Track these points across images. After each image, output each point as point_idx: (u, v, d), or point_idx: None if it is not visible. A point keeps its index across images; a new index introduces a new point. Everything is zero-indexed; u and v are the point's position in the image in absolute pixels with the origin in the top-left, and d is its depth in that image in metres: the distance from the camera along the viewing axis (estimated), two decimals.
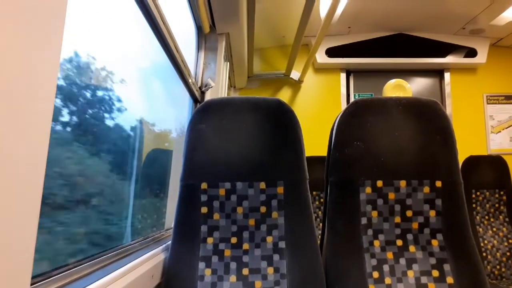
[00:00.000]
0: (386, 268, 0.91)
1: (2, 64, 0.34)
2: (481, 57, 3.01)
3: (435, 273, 0.90)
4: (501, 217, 2.13)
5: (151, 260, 0.87)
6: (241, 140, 0.96)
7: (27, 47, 0.38)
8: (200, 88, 1.74)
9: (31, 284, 0.50)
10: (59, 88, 0.70)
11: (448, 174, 0.95)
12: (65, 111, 0.74)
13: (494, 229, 2.11)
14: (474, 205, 2.13)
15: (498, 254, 2.05)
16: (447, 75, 3.13)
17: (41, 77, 0.40)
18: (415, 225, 0.94)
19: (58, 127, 0.72)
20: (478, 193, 2.14)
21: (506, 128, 3.07)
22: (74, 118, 0.79)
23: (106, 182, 1.00)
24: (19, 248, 0.38)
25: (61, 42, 0.44)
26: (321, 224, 2.15)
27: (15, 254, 0.37)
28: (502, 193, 2.14)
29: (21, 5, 0.36)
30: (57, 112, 0.70)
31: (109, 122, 0.97)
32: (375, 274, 0.90)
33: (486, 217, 2.13)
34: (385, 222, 0.95)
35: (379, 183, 0.95)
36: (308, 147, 1.06)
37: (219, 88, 1.84)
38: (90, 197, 0.90)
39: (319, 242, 0.95)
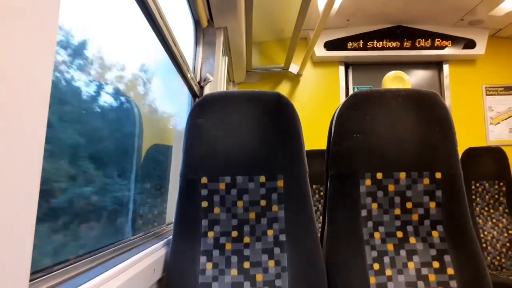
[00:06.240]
0: (386, 260, 0.91)
1: None
2: (480, 48, 3.00)
3: (436, 264, 0.90)
4: (500, 208, 2.13)
5: (152, 255, 0.87)
6: (241, 134, 0.96)
7: (21, 45, 0.37)
8: (199, 83, 1.73)
9: (30, 280, 0.50)
10: None
11: (447, 166, 0.95)
12: None
13: (494, 220, 2.12)
14: (473, 197, 2.14)
15: (498, 245, 2.06)
16: (446, 67, 3.13)
17: (36, 77, 0.40)
18: (415, 217, 0.95)
19: None
20: (477, 185, 2.15)
21: (505, 119, 3.07)
22: None
23: None
24: (18, 244, 0.38)
25: (55, 41, 0.43)
26: (321, 217, 2.15)
27: (13, 249, 0.37)
28: (501, 184, 2.15)
29: (14, 5, 0.36)
30: None
31: None
32: (376, 266, 0.90)
33: (486, 209, 2.14)
34: (385, 214, 0.95)
35: (379, 175, 0.95)
36: (307, 140, 1.06)
37: (218, 83, 1.83)
38: None
39: (319, 235, 0.95)
